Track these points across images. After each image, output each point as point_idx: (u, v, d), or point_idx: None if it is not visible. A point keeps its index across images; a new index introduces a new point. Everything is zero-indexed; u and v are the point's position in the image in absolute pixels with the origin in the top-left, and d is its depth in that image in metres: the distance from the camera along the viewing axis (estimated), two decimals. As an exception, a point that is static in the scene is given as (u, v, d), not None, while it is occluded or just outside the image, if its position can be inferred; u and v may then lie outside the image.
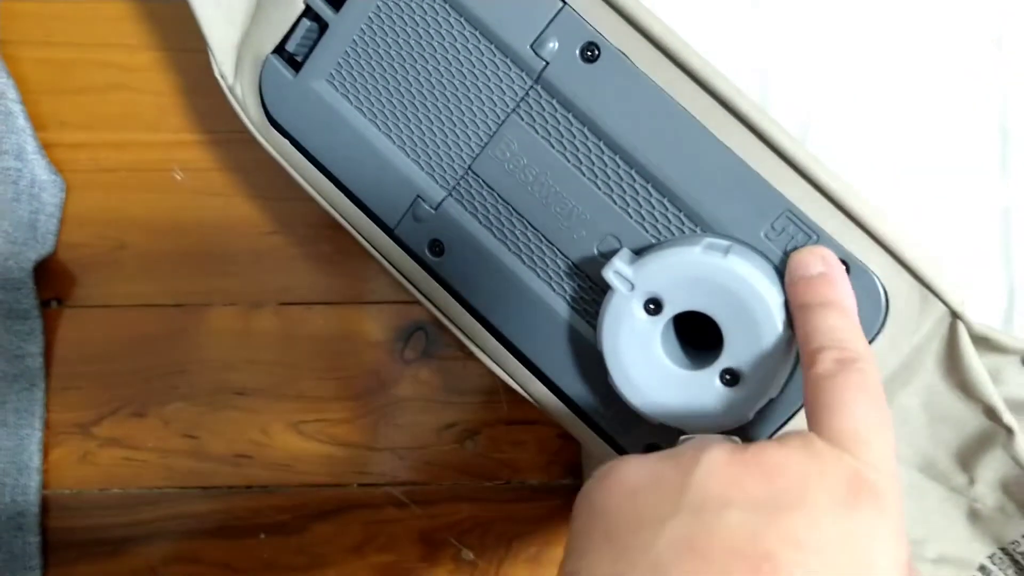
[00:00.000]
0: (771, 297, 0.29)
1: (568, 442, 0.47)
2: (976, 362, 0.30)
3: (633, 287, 0.30)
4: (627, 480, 0.25)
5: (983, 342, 0.31)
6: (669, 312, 0.30)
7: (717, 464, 0.24)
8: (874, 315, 0.30)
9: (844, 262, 0.30)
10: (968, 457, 0.31)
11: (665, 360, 0.31)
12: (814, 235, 0.30)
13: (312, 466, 0.47)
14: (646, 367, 0.31)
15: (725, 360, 0.30)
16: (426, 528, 0.47)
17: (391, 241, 0.36)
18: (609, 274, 0.31)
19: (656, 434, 0.33)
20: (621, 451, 0.34)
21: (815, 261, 0.29)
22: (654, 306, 0.31)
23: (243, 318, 0.47)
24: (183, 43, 0.46)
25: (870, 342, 0.30)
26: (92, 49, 0.47)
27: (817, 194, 0.30)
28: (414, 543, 0.47)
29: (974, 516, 0.32)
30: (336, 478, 0.47)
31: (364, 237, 0.36)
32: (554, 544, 0.47)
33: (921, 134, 0.42)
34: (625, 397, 0.31)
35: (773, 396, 0.30)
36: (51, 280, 0.47)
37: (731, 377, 0.30)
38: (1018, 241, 0.42)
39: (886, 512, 0.23)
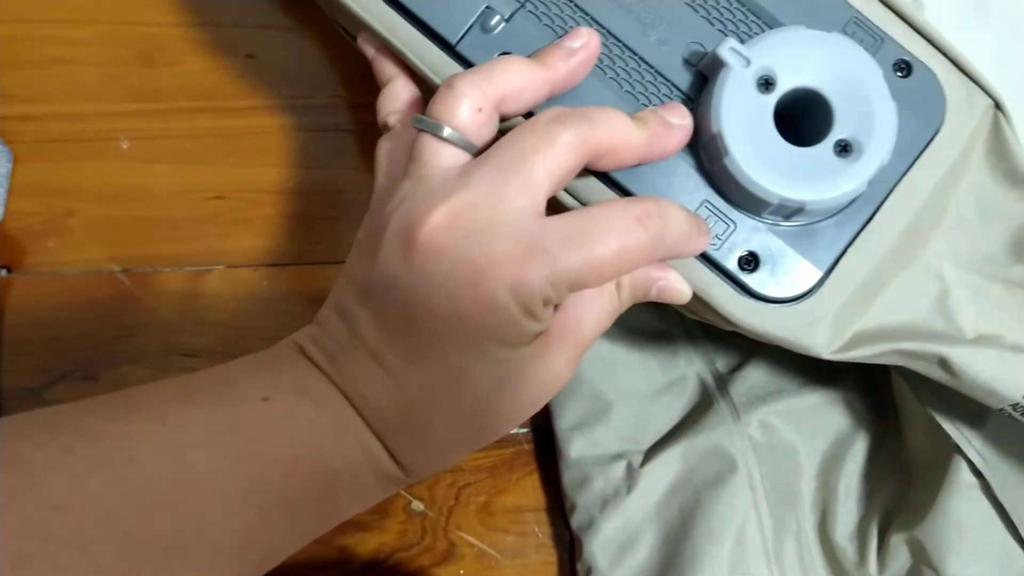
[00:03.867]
0: (874, 68, 0.31)
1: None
2: (1019, 148, 0.34)
3: (748, 63, 0.31)
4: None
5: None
6: (781, 89, 0.31)
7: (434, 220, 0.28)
8: (939, 108, 0.33)
9: (907, 63, 0.33)
10: (1021, 246, 0.34)
11: (780, 138, 0.31)
12: (879, 39, 0.33)
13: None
14: (765, 144, 0.31)
15: (838, 132, 0.31)
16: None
17: (451, 60, 0.32)
18: (724, 51, 0.31)
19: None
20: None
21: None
22: (765, 85, 0.31)
23: (190, 281, 0.47)
24: (123, 16, 0.48)
25: (935, 134, 0.33)
26: (36, 25, 0.48)
27: (879, 4, 0.34)
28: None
29: (1033, 306, 0.34)
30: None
31: (418, 60, 0.32)
32: (504, 493, 0.46)
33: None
34: (747, 174, 0.30)
35: (885, 162, 0.31)
36: (0, 249, 0.46)
37: (844, 148, 0.31)
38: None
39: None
